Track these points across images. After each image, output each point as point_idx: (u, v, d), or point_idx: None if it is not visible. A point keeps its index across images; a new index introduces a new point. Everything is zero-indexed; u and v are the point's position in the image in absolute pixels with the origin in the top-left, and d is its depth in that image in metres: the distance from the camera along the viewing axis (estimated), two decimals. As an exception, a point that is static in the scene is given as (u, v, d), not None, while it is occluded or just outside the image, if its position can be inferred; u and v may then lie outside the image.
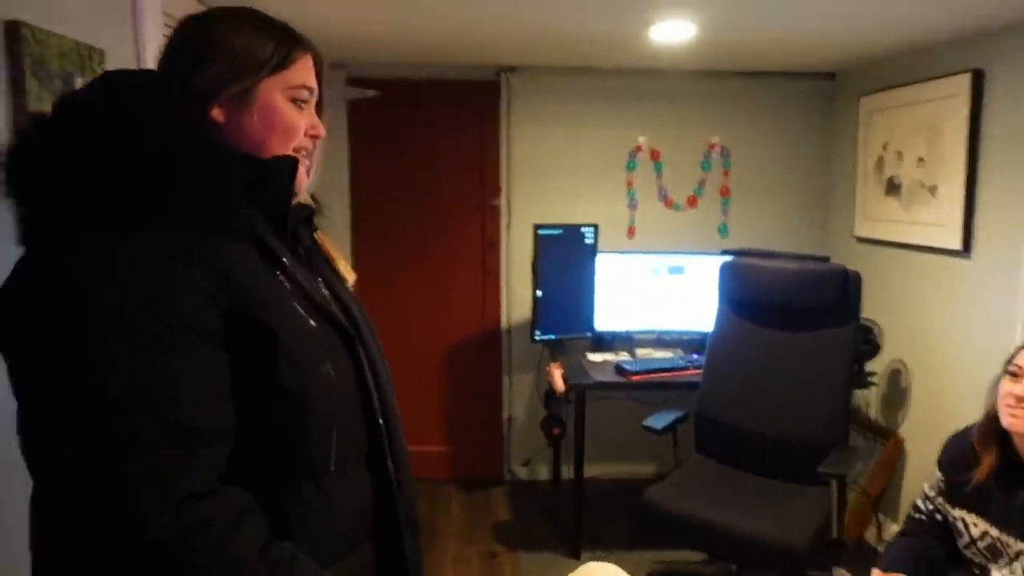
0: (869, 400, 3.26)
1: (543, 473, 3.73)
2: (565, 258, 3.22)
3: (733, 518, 2.30)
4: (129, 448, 0.75)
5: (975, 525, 1.70)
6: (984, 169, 2.61)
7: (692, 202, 3.66)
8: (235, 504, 0.81)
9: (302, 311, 0.91)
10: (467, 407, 3.70)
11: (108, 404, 0.75)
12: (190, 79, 0.87)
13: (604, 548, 3.01)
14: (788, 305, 2.66)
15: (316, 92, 0.97)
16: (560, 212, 3.55)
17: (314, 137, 0.98)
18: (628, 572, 2.88)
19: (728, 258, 2.81)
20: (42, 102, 1.39)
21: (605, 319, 3.34)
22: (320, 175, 3.44)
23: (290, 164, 0.93)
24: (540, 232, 3.15)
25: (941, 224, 2.80)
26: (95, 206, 0.82)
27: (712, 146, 3.64)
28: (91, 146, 0.83)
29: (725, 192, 3.67)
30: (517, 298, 3.60)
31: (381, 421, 0.99)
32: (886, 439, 3.09)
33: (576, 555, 2.92)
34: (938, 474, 1.81)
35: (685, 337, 3.39)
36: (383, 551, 1.02)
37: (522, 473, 3.74)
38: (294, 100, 0.93)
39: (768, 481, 2.56)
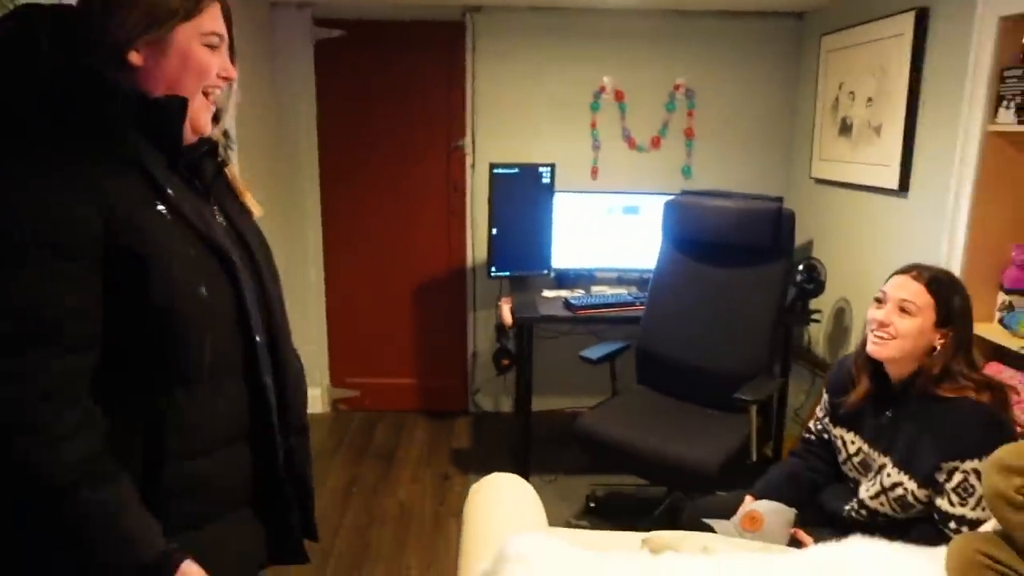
0: (815, 336, 3.35)
1: (506, 405, 3.90)
2: (521, 197, 3.30)
3: (652, 441, 2.44)
4: None
5: (852, 443, 1.81)
6: (924, 109, 2.63)
7: (656, 143, 3.71)
8: (82, 414, 0.94)
9: (179, 238, 1.00)
10: (434, 342, 3.86)
11: None
12: (107, 25, 0.97)
13: (552, 472, 3.18)
14: (725, 243, 2.75)
15: (225, 38, 1.07)
16: (524, 152, 3.62)
17: (225, 79, 1.07)
18: (570, 494, 3.05)
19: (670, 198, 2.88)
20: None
21: (564, 257, 3.44)
22: (283, 114, 3.54)
23: (179, 103, 1.01)
24: (495, 171, 3.23)
25: (883, 164, 2.84)
26: None
27: (677, 87, 3.66)
28: None
29: (689, 134, 3.70)
30: (481, 237, 3.70)
31: (258, 338, 1.09)
32: (823, 373, 3.19)
33: (525, 479, 3.08)
34: (824, 396, 1.92)
35: (644, 276, 3.48)
36: (257, 451, 1.13)
37: (486, 405, 3.92)
38: (206, 45, 1.02)
39: (697, 408, 2.69)
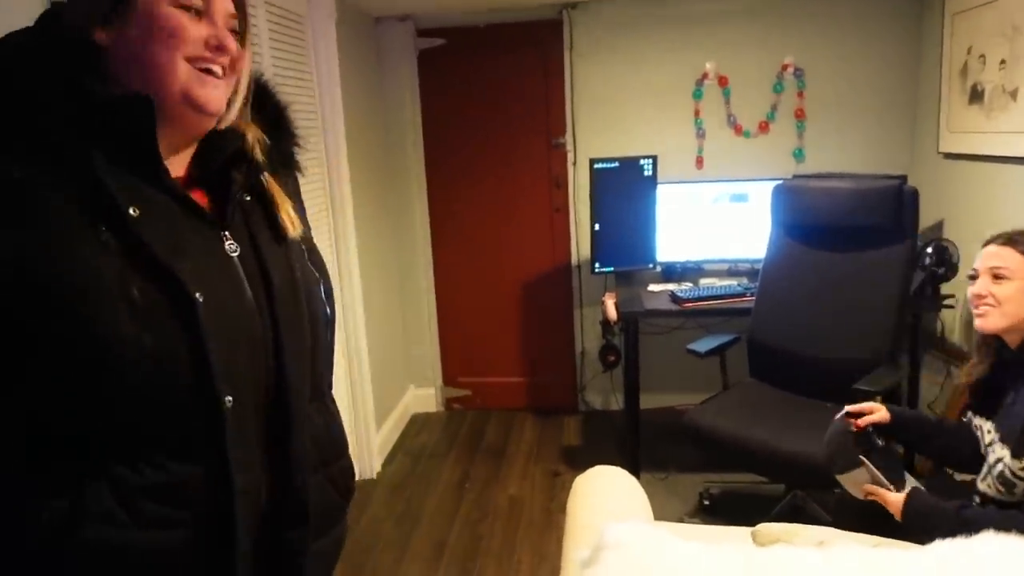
0: (949, 324, 3.09)
1: (614, 403, 3.85)
2: (623, 191, 3.26)
3: (766, 436, 2.33)
4: None
5: (988, 431, 1.67)
6: (1067, 67, 2.38)
7: (764, 127, 3.55)
8: None
9: (119, 275, 0.79)
10: (541, 340, 3.87)
11: None
12: (61, 10, 0.85)
13: (663, 470, 3.11)
14: (840, 226, 2.59)
15: (213, 4, 0.86)
16: (625, 145, 3.57)
17: (217, 48, 0.86)
18: (683, 492, 2.98)
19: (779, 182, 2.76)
20: None
21: (670, 250, 3.36)
22: (390, 123, 3.66)
23: (143, 101, 0.82)
24: (596, 166, 3.20)
25: (1021, 131, 2.58)
26: None
27: (785, 67, 3.49)
28: None
29: (800, 115, 3.53)
30: (585, 233, 3.68)
31: (228, 400, 0.85)
32: (965, 363, 2.93)
33: (635, 476, 3.04)
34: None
35: (756, 266, 3.34)
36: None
37: (595, 402, 3.88)
38: (181, 6, 0.84)
39: (814, 402, 2.55)
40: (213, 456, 0.85)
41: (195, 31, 0.85)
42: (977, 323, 1.61)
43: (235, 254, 0.90)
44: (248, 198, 0.95)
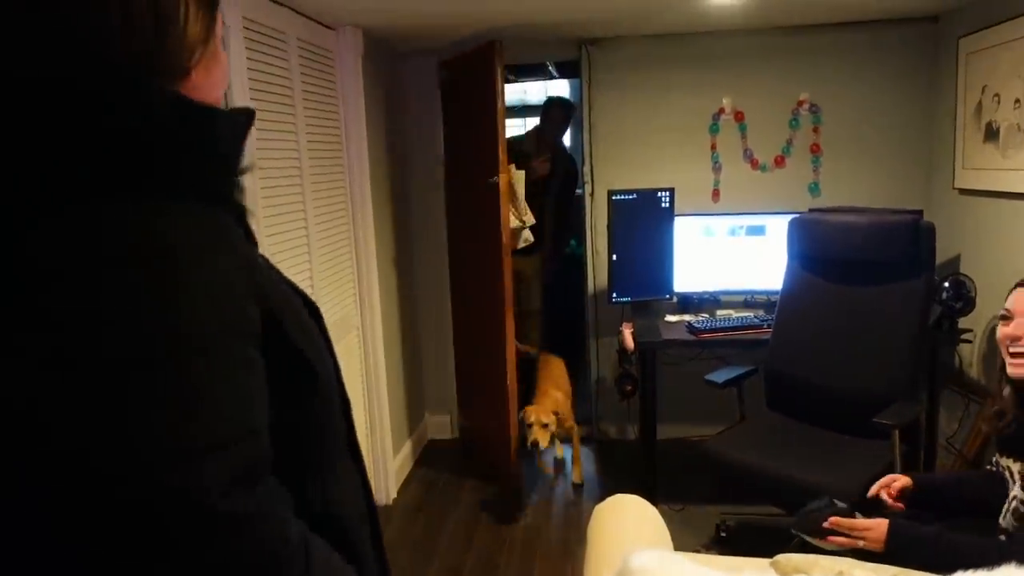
0: (967, 358, 3.09)
1: (631, 433, 3.85)
2: (641, 222, 3.30)
3: (785, 467, 2.34)
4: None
5: (1020, 472, 1.66)
6: (1081, 106, 2.41)
7: (779, 162, 3.60)
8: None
9: (287, 292, 0.74)
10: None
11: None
12: (163, 45, 0.61)
13: (680, 501, 3.10)
14: (857, 260, 2.62)
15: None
16: (642, 178, 3.63)
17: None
18: (700, 523, 2.98)
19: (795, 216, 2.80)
20: None
21: (687, 281, 3.39)
22: (411, 152, 3.74)
23: (249, 115, 0.69)
24: (614, 198, 3.26)
25: (1037, 169, 2.62)
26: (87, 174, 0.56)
27: (800, 103, 3.55)
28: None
29: (815, 149, 3.58)
30: (602, 264, 3.73)
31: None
32: (984, 399, 2.93)
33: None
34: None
35: (772, 298, 3.36)
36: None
37: (611, 432, 3.89)
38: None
39: (833, 435, 2.55)
40: (355, 455, 0.84)
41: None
42: (1013, 371, 1.56)
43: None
44: None
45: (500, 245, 3.08)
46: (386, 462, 3.23)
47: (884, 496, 1.77)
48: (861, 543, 1.61)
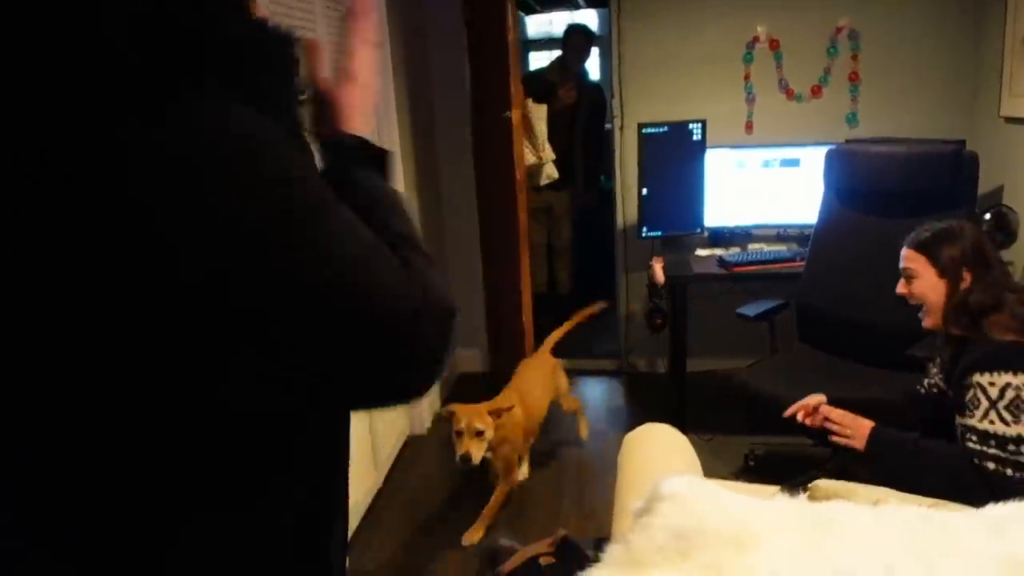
0: (1004, 292, 3.04)
1: (660, 366, 3.89)
2: (672, 156, 3.26)
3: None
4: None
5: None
6: None
7: (816, 91, 3.50)
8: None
9: None
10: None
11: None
12: None
13: (710, 432, 3.15)
14: (895, 191, 2.57)
15: None
16: (673, 110, 3.55)
17: None
18: (728, 453, 3.02)
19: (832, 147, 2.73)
20: None
21: (718, 215, 3.36)
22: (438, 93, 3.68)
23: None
24: (644, 131, 3.20)
25: (1089, 94, 2.51)
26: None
27: (839, 29, 3.42)
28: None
29: (854, 78, 3.46)
30: (632, 199, 3.69)
31: None
32: None
33: (680, 438, 3.09)
34: None
35: (806, 231, 3.32)
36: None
37: (640, 365, 3.93)
38: None
39: (864, 367, 2.56)
40: None
41: None
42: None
43: None
44: None
45: (514, 181, 3.07)
46: (419, 394, 3.31)
47: (800, 418, 1.97)
48: (849, 439, 1.82)
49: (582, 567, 1.28)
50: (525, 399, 2.71)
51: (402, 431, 3.25)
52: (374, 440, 2.86)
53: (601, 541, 2.07)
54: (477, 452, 2.39)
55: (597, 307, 3.20)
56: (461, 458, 2.38)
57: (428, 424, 3.41)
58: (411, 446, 3.27)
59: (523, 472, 2.89)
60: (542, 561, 2.04)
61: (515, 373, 2.89)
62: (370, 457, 2.82)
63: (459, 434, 2.40)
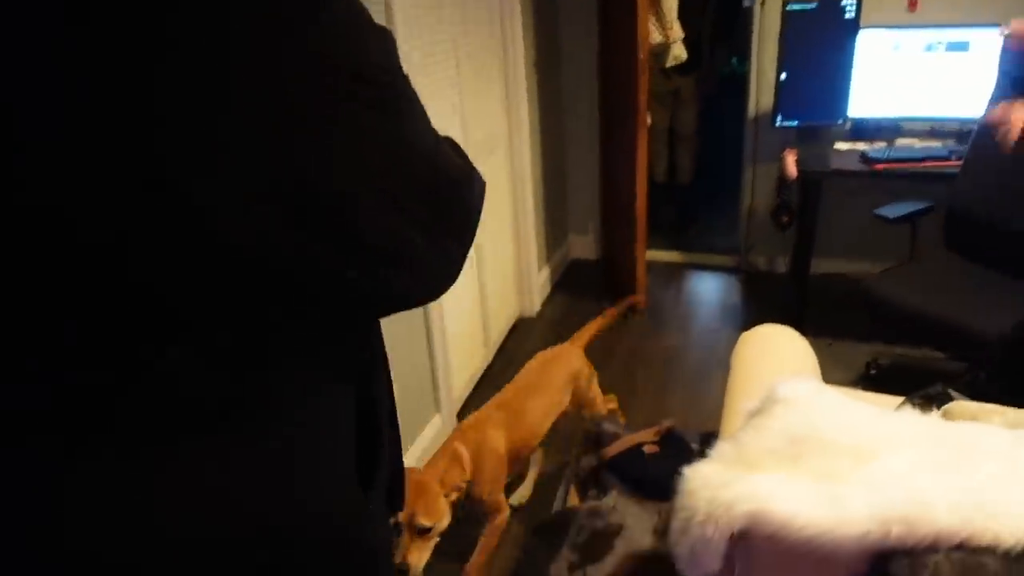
0: None
1: (782, 266, 3.72)
2: (818, 37, 2.95)
3: (954, 310, 2.19)
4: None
5: None
6: None
7: (1001, -39, 3.03)
8: None
9: None
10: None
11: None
12: None
13: (830, 337, 3.02)
14: (1086, 82, 2.23)
15: None
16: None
17: None
18: (848, 360, 2.91)
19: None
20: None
21: (864, 105, 3.06)
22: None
23: None
24: (789, 7, 2.90)
25: None
26: None
27: None
28: None
29: (1052, -55, 2.96)
30: (767, 84, 3.41)
31: None
32: None
33: (797, 340, 2.99)
34: None
35: (967, 126, 2.98)
36: None
37: (760, 263, 3.77)
38: None
39: (1016, 281, 2.33)
40: None
41: None
42: None
43: None
44: None
45: (636, 60, 2.88)
46: (530, 276, 3.35)
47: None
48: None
49: (687, 460, 1.28)
50: (517, 419, 1.97)
51: (512, 313, 3.31)
52: (485, 320, 2.93)
53: (708, 436, 2.07)
54: (419, 557, 1.66)
55: (629, 302, 2.87)
56: (399, 565, 1.64)
57: (538, 308, 3.46)
58: (520, 327, 3.33)
59: (522, 494, 2.22)
60: (646, 450, 2.07)
61: (519, 373, 2.16)
62: (481, 336, 2.91)
63: (396, 525, 1.66)
